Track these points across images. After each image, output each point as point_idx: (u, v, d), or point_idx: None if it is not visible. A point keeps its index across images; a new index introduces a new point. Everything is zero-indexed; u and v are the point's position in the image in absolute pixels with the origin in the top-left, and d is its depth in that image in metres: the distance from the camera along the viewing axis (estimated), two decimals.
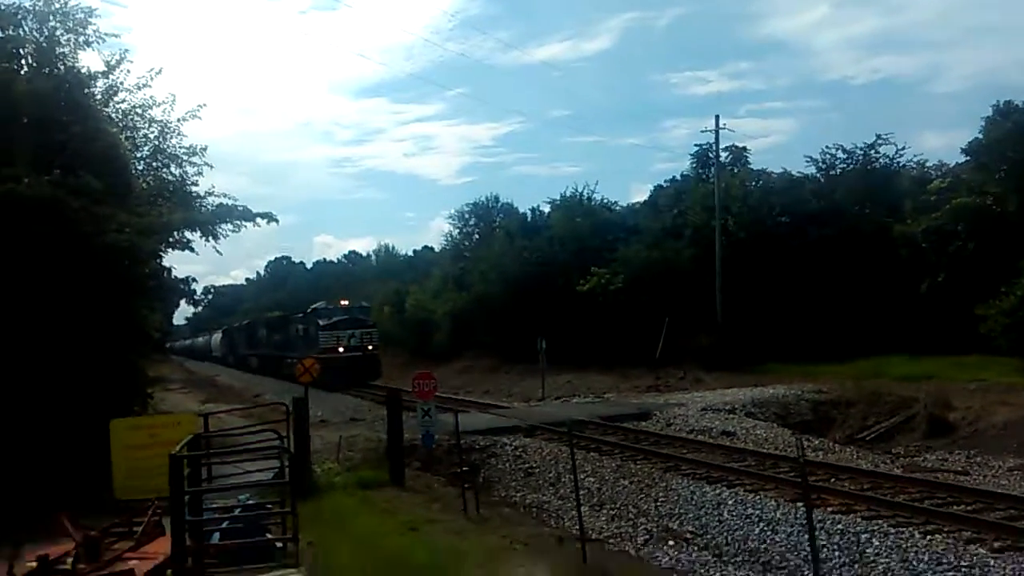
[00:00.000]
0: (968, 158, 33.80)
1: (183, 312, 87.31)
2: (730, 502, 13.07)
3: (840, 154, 39.75)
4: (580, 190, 46.50)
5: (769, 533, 11.68)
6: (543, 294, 39.20)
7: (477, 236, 59.06)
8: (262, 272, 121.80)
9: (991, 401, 20.75)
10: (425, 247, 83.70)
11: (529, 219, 51.54)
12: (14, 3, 15.82)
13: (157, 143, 19.20)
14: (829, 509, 12.11)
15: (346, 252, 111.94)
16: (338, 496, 13.52)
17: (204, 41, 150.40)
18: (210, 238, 18.38)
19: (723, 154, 41.65)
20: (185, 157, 19.46)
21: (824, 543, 10.54)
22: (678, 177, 48.38)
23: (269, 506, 9.55)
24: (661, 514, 13.27)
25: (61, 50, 15.75)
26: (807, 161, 40.84)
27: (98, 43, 16.44)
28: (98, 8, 16.47)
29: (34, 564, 6.72)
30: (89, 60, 16.83)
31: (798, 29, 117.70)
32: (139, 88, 18.24)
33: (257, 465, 10.49)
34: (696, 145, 45.13)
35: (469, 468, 15.19)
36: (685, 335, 34.43)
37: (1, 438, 12.21)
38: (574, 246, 41.58)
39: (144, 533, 8.09)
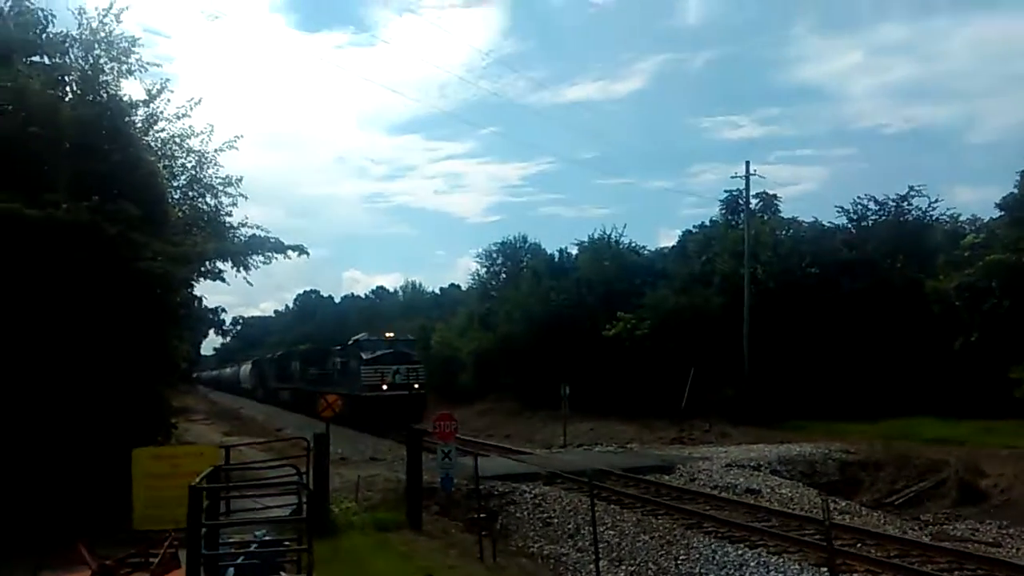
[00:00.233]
0: (1002, 213, 33.33)
1: (211, 342, 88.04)
2: (752, 563, 12.78)
3: (872, 205, 39.41)
4: (608, 232, 46.37)
5: None
6: (568, 337, 38.86)
7: (504, 275, 59.13)
8: (290, 305, 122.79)
9: None
10: (452, 285, 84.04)
11: (556, 260, 51.45)
12: (61, 32, 16.32)
13: (194, 172, 19.60)
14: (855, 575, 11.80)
15: (374, 287, 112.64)
16: (355, 536, 13.43)
17: (243, 73, 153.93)
18: (241, 269, 18.63)
19: (753, 201, 41.36)
20: (221, 187, 19.85)
21: None
22: (707, 223, 48.23)
23: (286, 543, 9.47)
24: (682, 573, 12.99)
25: (104, 78, 16.15)
26: (838, 211, 40.53)
27: (140, 72, 16.97)
28: (141, 38, 16.97)
29: None
30: (131, 88, 17.34)
31: (831, 76, 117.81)
32: (178, 118, 18.71)
33: (276, 500, 10.44)
34: (726, 191, 44.95)
35: (487, 515, 15.02)
36: (711, 386, 33.98)
37: (25, 463, 12.28)
38: (601, 289, 41.36)
39: (160, 565, 8.07)
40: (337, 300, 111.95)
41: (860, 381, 30.89)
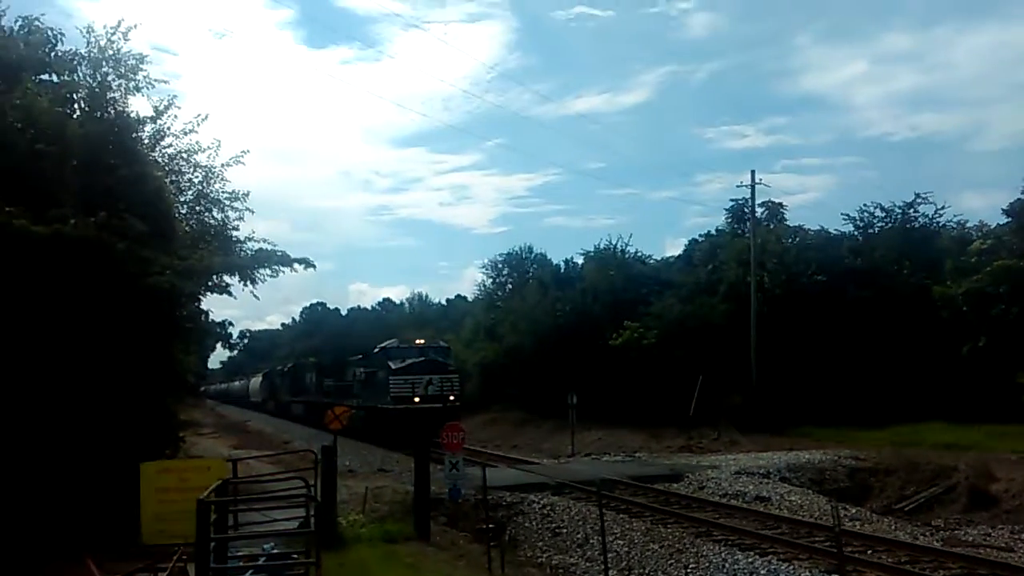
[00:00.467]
0: (1010, 219, 33.27)
1: (218, 356, 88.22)
2: (763, 571, 12.71)
3: (878, 212, 39.50)
4: (614, 242, 46.54)
5: None
6: (574, 347, 38.83)
7: (510, 286, 59.14)
8: (297, 318, 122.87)
9: None
10: (458, 296, 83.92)
11: (562, 270, 51.53)
12: (70, 50, 16.44)
13: (201, 187, 19.69)
14: None
15: (380, 300, 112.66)
16: (363, 549, 13.40)
17: (250, 88, 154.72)
18: (248, 282, 18.64)
19: (759, 209, 41.45)
20: (227, 202, 19.92)
21: None
22: (713, 232, 48.23)
23: (295, 556, 9.49)
24: None
25: (112, 95, 16.25)
26: (844, 219, 40.60)
27: (148, 89, 17.02)
28: (149, 55, 17.05)
29: None
30: (138, 105, 17.40)
31: (836, 85, 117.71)
32: (185, 133, 18.80)
33: (284, 513, 10.46)
34: (732, 200, 45.08)
35: (495, 525, 14.98)
36: (718, 394, 33.93)
37: (33, 478, 12.32)
38: (607, 299, 41.34)
39: None
40: (344, 312, 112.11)
41: (868, 387, 30.84)
